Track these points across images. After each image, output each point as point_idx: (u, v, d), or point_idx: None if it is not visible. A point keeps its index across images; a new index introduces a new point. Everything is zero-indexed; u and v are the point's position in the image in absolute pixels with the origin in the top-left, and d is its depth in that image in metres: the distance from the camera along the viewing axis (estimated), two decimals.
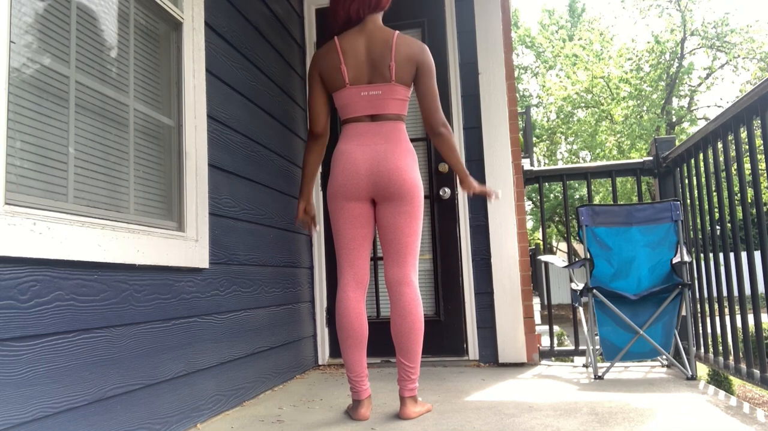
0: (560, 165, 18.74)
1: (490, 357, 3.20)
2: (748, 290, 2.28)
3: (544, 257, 3.25)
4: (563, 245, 20.77)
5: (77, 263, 1.54)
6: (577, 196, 16.31)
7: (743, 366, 2.34)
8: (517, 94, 14.39)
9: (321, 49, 2.17)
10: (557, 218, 18.48)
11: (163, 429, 1.87)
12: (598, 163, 4.34)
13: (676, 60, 17.63)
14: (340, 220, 2.12)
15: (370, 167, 2.06)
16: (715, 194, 2.55)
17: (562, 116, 19.11)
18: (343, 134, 2.14)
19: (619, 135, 16.85)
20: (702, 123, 15.94)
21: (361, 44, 2.10)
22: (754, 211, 2.54)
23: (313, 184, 2.29)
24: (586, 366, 2.99)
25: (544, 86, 19.77)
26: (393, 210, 2.07)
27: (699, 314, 2.86)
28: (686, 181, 2.97)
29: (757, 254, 2.13)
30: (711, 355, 2.71)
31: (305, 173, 2.26)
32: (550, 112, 19.88)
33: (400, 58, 2.08)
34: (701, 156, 2.69)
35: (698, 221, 2.81)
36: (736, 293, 2.36)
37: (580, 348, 3.22)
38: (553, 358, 3.30)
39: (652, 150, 3.31)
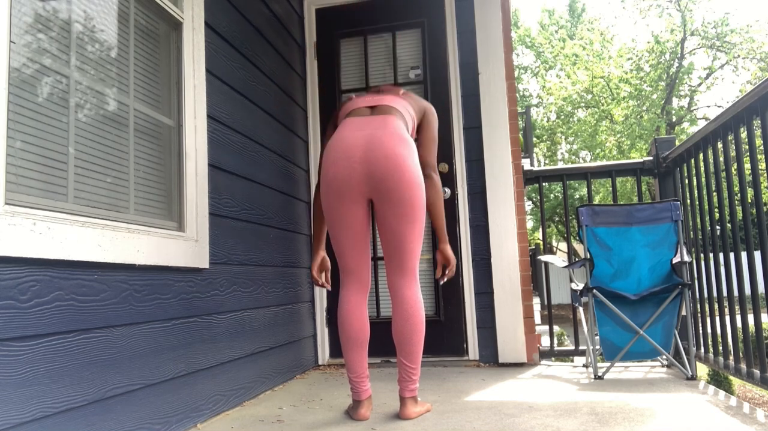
0: (560, 165, 18.74)
1: (490, 357, 3.20)
2: (748, 290, 2.28)
3: (544, 257, 3.25)
4: (563, 245, 20.77)
5: (77, 263, 1.54)
6: (577, 196, 16.31)
7: (743, 366, 2.34)
8: (517, 94, 14.38)
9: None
10: (557, 218, 18.48)
11: (163, 429, 1.87)
12: (598, 163, 4.34)
13: (676, 60, 17.63)
14: (336, 226, 2.05)
15: (364, 152, 1.97)
16: (715, 194, 2.55)
17: (562, 116, 19.11)
18: (339, 126, 2.14)
19: (619, 135, 16.84)
20: (702, 123, 15.93)
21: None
22: (754, 211, 2.54)
23: (324, 235, 2.26)
24: (586, 366, 2.98)
25: (544, 86, 19.77)
26: (394, 212, 1.99)
27: (699, 314, 2.86)
28: (686, 181, 2.97)
29: (757, 254, 2.13)
30: (711, 355, 2.71)
31: (315, 226, 2.26)
32: (550, 112, 19.88)
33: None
34: (701, 156, 2.69)
35: (698, 221, 2.81)
36: (736, 293, 2.36)
37: (580, 348, 3.22)
38: (553, 358, 3.30)
39: (652, 150, 3.31)
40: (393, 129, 2.02)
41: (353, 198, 2.01)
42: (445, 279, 2.23)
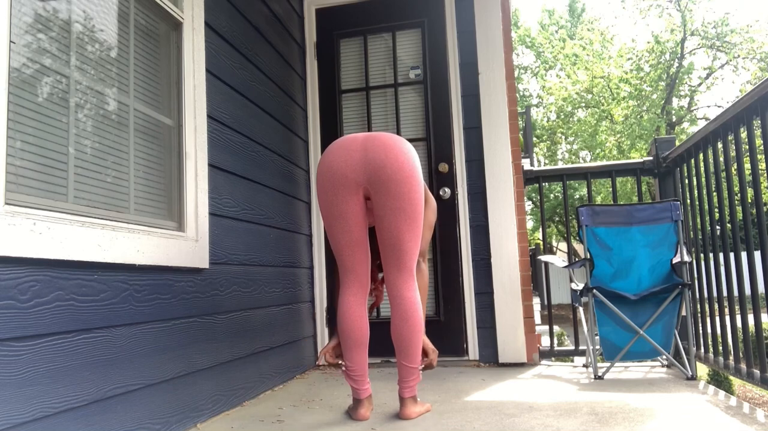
0: (560, 165, 18.74)
1: (490, 357, 3.20)
2: (748, 290, 2.28)
3: (544, 257, 3.25)
4: (563, 245, 20.77)
5: (77, 263, 1.54)
6: (577, 196, 16.30)
7: (743, 366, 2.34)
8: (517, 94, 14.37)
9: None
10: (557, 218, 18.47)
11: (163, 429, 1.87)
12: (598, 163, 4.34)
13: (676, 60, 17.63)
14: (332, 221, 2.01)
15: (363, 142, 1.98)
16: (715, 194, 2.55)
17: (562, 116, 19.11)
18: None
19: (619, 135, 16.85)
20: (702, 123, 15.94)
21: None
22: (754, 211, 2.54)
23: None
24: (586, 366, 2.98)
25: (544, 86, 19.77)
26: (392, 206, 1.95)
27: (699, 314, 2.86)
28: (686, 181, 2.97)
29: (757, 254, 2.13)
30: (711, 355, 2.71)
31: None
32: (550, 112, 19.88)
33: None
34: (701, 156, 2.69)
35: (698, 221, 2.81)
36: (736, 293, 2.36)
37: (580, 348, 3.22)
38: (553, 358, 3.30)
39: (652, 150, 3.31)
40: (394, 134, 2.05)
41: (349, 188, 1.97)
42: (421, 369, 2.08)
